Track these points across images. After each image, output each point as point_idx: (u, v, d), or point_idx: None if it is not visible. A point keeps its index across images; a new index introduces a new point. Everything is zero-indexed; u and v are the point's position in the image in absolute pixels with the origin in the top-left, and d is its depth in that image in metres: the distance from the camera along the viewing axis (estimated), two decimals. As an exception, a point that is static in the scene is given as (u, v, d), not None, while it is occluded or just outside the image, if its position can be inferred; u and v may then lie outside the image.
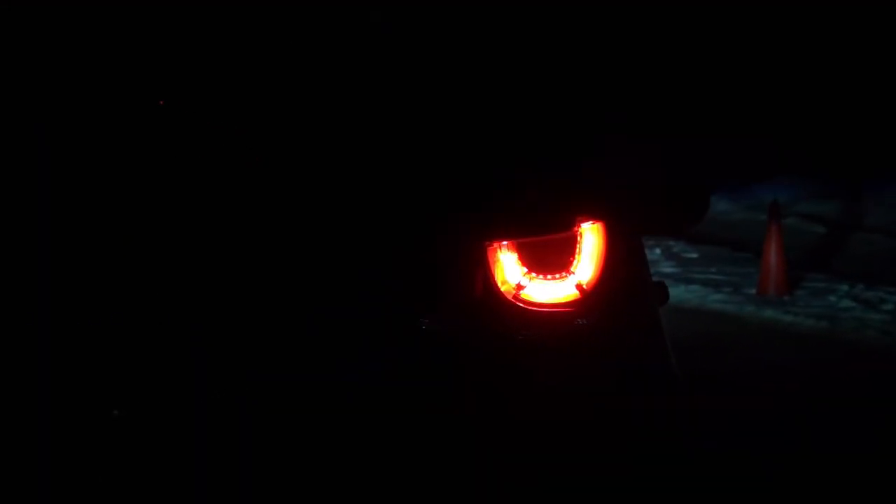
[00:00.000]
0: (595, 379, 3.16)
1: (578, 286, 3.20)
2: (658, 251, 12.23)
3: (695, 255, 12.21)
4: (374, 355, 3.02)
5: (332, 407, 2.95)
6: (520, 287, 3.19)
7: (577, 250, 3.21)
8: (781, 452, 5.80)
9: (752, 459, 5.65)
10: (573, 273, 3.21)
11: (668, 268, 11.53)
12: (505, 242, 3.17)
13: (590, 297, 3.19)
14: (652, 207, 3.52)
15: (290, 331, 2.96)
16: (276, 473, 2.88)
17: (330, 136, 3.25)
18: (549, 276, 3.20)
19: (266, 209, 3.01)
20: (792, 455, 5.78)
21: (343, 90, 3.44)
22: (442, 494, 3.03)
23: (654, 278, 3.65)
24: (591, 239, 3.23)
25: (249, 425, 2.84)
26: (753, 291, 10.46)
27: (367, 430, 2.96)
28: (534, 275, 3.20)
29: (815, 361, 8.07)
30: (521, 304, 3.17)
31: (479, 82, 3.42)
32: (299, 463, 2.90)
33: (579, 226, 3.22)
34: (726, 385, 6.83)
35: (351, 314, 3.01)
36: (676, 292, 9.93)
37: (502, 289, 3.18)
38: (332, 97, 3.42)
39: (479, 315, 3.13)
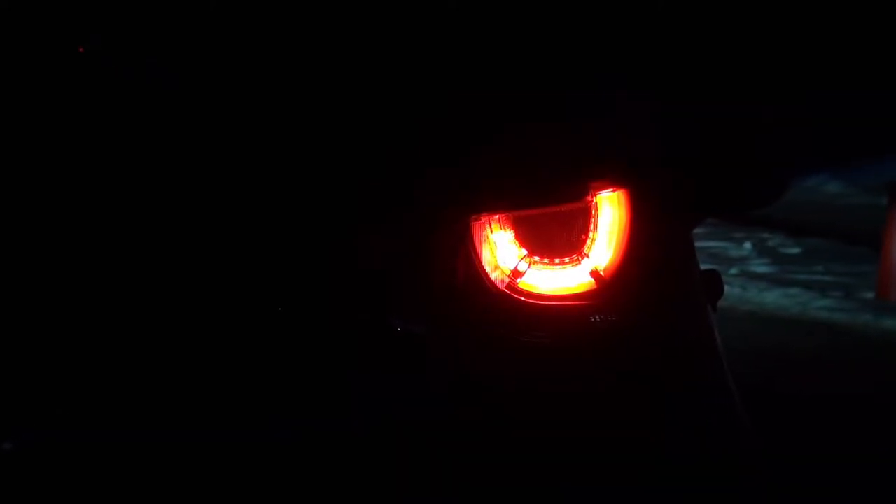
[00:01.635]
0: (614, 407, 2.49)
1: (594, 273, 2.51)
2: (748, 245, 11.00)
3: (796, 251, 10.77)
4: (319, 389, 2.44)
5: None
6: (517, 274, 2.51)
7: (593, 226, 2.52)
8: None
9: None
10: (587, 255, 2.52)
11: (761, 266, 10.16)
12: (496, 216, 2.52)
13: (609, 288, 2.51)
14: (697, 176, 2.88)
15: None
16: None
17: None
18: (555, 260, 2.52)
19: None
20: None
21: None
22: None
23: (710, 269, 3.02)
24: (610, 211, 2.54)
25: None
26: (871, 295, 8.94)
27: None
28: (535, 258, 2.52)
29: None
30: (518, 297, 2.50)
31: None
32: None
33: (595, 194, 2.54)
34: (834, 437, 5.52)
35: (281, 328, 2.45)
36: (772, 297, 8.92)
37: (493, 276, 2.50)
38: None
39: (461, 312, 2.49)
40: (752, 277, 9.74)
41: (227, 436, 2.42)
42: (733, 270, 9.92)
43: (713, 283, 2.97)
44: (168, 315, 2.47)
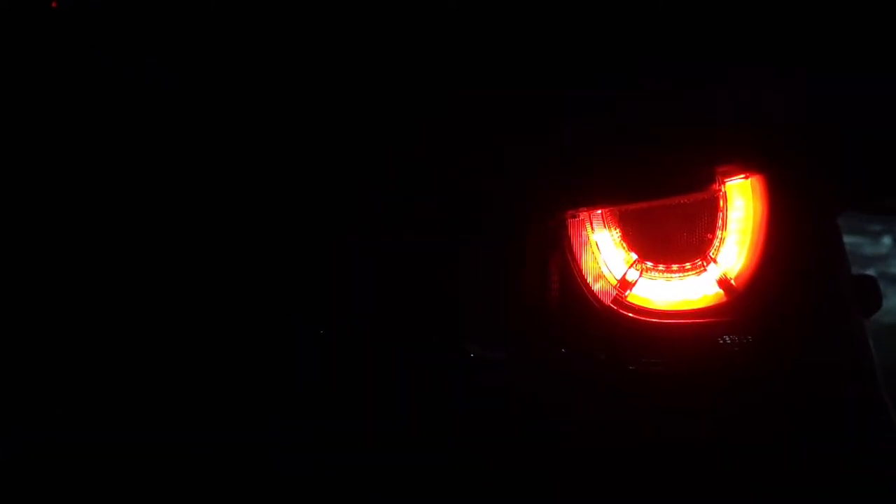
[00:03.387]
0: (748, 453, 2.04)
1: (723, 282, 2.06)
2: (888, 241, 10.43)
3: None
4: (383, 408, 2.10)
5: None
6: (625, 285, 2.07)
7: (720, 222, 2.06)
8: None
9: None
10: (714, 260, 2.06)
11: (906, 269, 9.89)
12: (599, 212, 2.10)
13: (742, 300, 2.06)
14: (844, 158, 2.42)
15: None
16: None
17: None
18: (673, 267, 2.08)
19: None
20: None
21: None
22: None
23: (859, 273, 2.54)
24: (741, 203, 2.07)
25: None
26: None
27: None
28: (648, 265, 2.08)
29: None
30: (627, 313, 2.07)
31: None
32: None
33: (723, 182, 2.07)
34: None
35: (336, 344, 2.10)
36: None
37: (595, 288, 2.09)
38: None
39: (555, 333, 2.08)
40: (894, 281, 9.08)
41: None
42: (869, 272, 9.31)
43: (868, 291, 2.51)
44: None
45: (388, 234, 2.13)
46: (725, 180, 2.08)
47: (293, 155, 2.28)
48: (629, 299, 2.09)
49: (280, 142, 2.30)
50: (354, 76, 2.36)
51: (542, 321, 2.08)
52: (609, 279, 2.10)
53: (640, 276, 2.10)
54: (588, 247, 2.10)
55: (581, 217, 2.10)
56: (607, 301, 2.09)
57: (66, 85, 2.48)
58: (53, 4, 2.57)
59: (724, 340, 2.08)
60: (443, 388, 2.14)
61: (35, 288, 2.36)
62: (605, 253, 2.10)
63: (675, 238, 2.10)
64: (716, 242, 2.08)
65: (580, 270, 2.09)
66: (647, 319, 2.08)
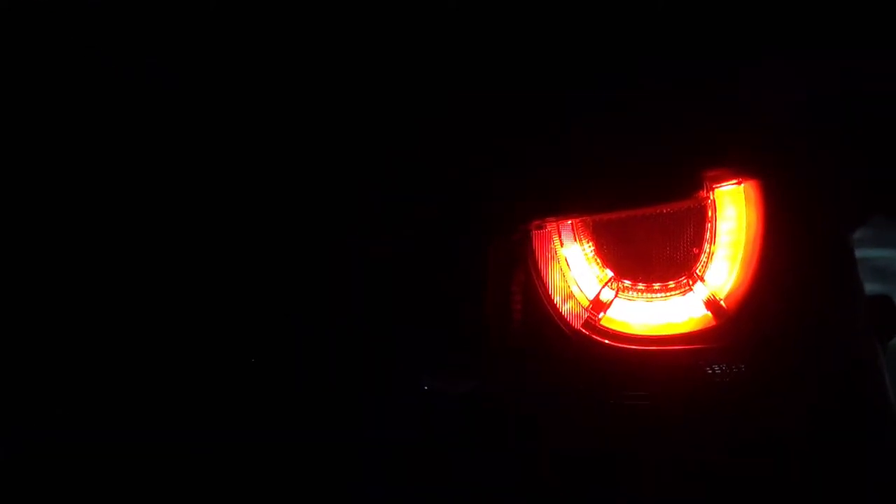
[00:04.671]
0: (747, 497, 1.78)
1: (711, 303, 1.80)
2: None
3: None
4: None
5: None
6: (599, 306, 1.83)
7: (709, 235, 1.80)
8: None
9: None
10: (701, 278, 1.81)
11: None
12: (568, 223, 1.88)
13: (734, 325, 1.80)
14: (857, 159, 2.17)
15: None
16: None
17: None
18: (654, 286, 1.83)
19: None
20: None
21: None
22: None
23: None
24: (733, 212, 1.83)
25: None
26: None
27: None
28: (626, 283, 1.84)
29: None
30: (601, 339, 1.83)
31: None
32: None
33: (711, 188, 1.81)
34: None
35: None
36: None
37: (564, 310, 1.85)
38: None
39: (520, 362, 1.84)
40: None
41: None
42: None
43: (886, 312, 2.27)
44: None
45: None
46: (714, 186, 1.82)
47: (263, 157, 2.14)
48: (603, 323, 1.84)
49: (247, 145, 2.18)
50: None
51: (503, 349, 1.85)
52: (580, 300, 1.85)
53: (616, 296, 1.84)
54: (556, 263, 1.86)
55: (548, 228, 1.86)
56: (578, 325, 1.84)
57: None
58: None
59: (713, 370, 1.83)
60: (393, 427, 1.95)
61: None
62: (575, 270, 1.86)
63: (657, 253, 1.84)
64: (703, 258, 1.82)
65: (546, 290, 1.85)
66: (624, 346, 1.83)
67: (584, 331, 1.84)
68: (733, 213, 1.85)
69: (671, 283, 1.85)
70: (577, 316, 1.85)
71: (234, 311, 2.11)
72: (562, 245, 1.86)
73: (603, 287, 1.85)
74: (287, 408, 2.01)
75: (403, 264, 1.89)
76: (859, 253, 2.06)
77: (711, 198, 1.83)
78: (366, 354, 1.95)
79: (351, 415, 1.98)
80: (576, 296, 1.86)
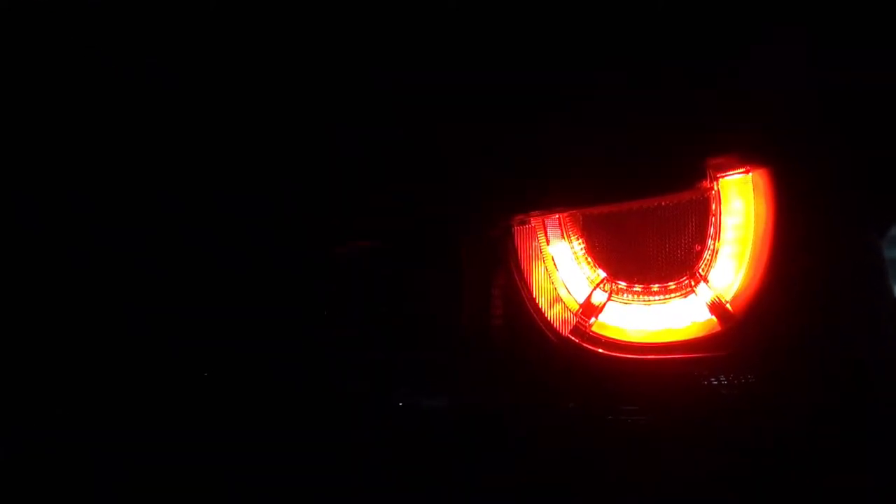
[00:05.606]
0: None
1: (716, 306, 1.61)
2: None
3: None
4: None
5: None
6: (590, 310, 1.64)
7: (714, 231, 1.62)
8: None
9: None
10: (704, 278, 1.63)
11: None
12: (555, 217, 1.69)
13: (742, 331, 1.61)
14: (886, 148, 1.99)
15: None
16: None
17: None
18: (652, 287, 1.65)
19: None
20: None
21: None
22: None
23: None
24: (741, 207, 1.64)
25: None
26: None
27: None
28: (620, 284, 1.65)
29: None
30: (592, 348, 1.65)
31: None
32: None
33: (716, 178, 1.62)
34: None
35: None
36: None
37: (550, 315, 1.67)
38: None
39: (502, 375, 1.65)
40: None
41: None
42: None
43: None
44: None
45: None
46: (719, 175, 1.63)
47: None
48: (595, 329, 1.65)
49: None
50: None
51: (482, 360, 1.69)
52: (569, 304, 1.67)
53: (609, 299, 1.66)
54: (541, 262, 1.67)
55: (532, 224, 1.67)
56: (566, 332, 1.66)
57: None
58: None
59: (719, 382, 1.66)
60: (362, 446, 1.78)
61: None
62: (563, 270, 1.67)
63: (655, 250, 1.65)
64: (707, 255, 1.64)
65: (531, 293, 1.66)
66: (619, 355, 1.65)
67: (573, 338, 1.66)
68: (740, 205, 1.66)
69: (671, 285, 1.66)
70: (566, 322, 1.66)
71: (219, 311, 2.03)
72: (548, 242, 1.68)
73: (594, 289, 1.67)
74: (242, 425, 1.88)
75: (368, 267, 1.73)
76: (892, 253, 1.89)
77: (716, 188, 1.64)
78: (332, 368, 1.80)
79: (316, 431, 1.83)
80: (564, 299, 1.68)
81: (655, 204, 1.66)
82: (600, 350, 1.67)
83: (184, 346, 2.05)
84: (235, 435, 2.02)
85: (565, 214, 1.68)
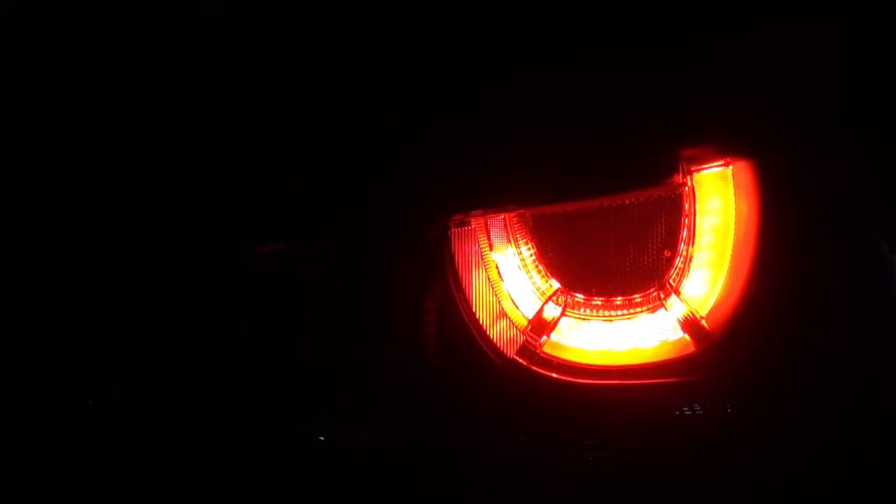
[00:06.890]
0: None
1: (690, 323, 1.42)
2: None
3: None
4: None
5: None
6: (542, 327, 1.45)
7: (687, 234, 1.41)
8: None
9: None
10: (676, 292, 1.43)
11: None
12: (500, 218, 1.52)
13: (720, 351, 1.40)
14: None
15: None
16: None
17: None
18: (615, 300, 1.46)
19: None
20: None
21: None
22: None
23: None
24: (718, 206, 1.44)
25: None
26: None
27: None
28: (577, 297, 1.46)
29: None
30: (543, 372, 1.45)
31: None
32: None
33: (690, 173, 1.42)
34: None
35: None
36: None
37: (494, 333, 1.47)
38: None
39: (436, 402, 1.48)
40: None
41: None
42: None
43: None
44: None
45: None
46: (693, 169, 1.42)
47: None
48: (547, 350, 1.45)
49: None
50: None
51: (415, 387, 1.50)
52: (515, 319, 1.47)
53: (564, 313, 1.46)
54: (483, 270, 1.48)
55: (473, 226, 1.47)
56: (512, 353, 1.46)
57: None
58: None
59: (693, 411, 1.48)
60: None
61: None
62: (509, 280, 1.47)
63: (618, 257, 1.45)
64: (679, 263, 1.43)
65: (470, 307, 1.47)
66: (575, 380, 1.45)
67: (520, 360, 1.46)
68: (718, 204, 1.46)
69: (637, 297, 1.47)
70: (512, 341, 1.46)
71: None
72: (491, 247, 1.48)
73: (546, 302, 1.47)
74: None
75: (285, 277, 1.54)
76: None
77: (689, 184, 1.43)
78: (249, 399, 1.60)
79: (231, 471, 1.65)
80: (509, 314, 1.48)
81: (618, 202, 1.46)
82: (553, 374, 1.48)
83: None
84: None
85: (512, 215, 1.48)
